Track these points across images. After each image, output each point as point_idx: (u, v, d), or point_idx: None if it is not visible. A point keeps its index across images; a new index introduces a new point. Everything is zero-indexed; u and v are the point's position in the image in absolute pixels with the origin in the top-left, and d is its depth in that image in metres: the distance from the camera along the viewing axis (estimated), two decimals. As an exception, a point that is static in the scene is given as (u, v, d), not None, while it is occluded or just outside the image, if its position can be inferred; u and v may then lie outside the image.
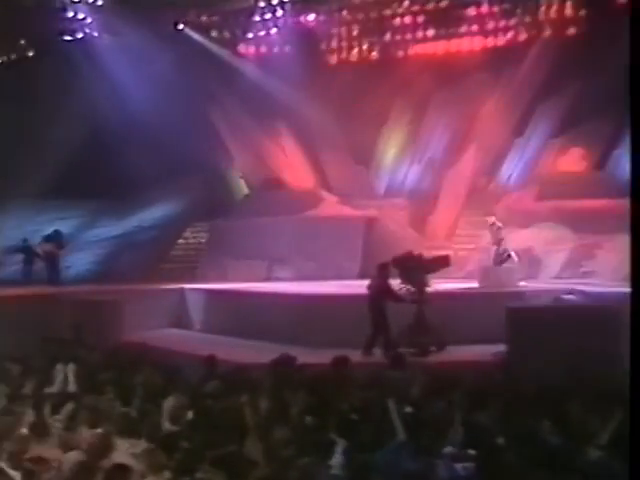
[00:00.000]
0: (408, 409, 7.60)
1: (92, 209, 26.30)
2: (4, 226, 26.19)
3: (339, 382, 9.33)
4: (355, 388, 8.99)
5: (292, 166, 24.04)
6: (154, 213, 25.10)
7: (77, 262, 24.68)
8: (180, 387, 9.56)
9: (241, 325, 16.37)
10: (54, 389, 9.14)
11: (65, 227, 25.96)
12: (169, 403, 8.27)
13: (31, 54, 23.16)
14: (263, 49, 24.44)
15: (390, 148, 23.17)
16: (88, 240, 25.54)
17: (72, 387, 9.18)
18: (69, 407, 7.93)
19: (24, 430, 7.25)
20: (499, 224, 18.35)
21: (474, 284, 16.76)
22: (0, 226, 26.23)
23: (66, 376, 9.31)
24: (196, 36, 23.92)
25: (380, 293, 13.67)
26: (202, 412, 7.76)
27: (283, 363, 10.71)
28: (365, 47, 23.86)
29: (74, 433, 7.15)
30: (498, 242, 17.97)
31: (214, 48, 24.27)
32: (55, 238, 22.33)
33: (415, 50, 23.51)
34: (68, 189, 24.25)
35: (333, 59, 24.19)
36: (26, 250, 22.58)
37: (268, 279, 20.96)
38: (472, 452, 6.26)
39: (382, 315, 13.56)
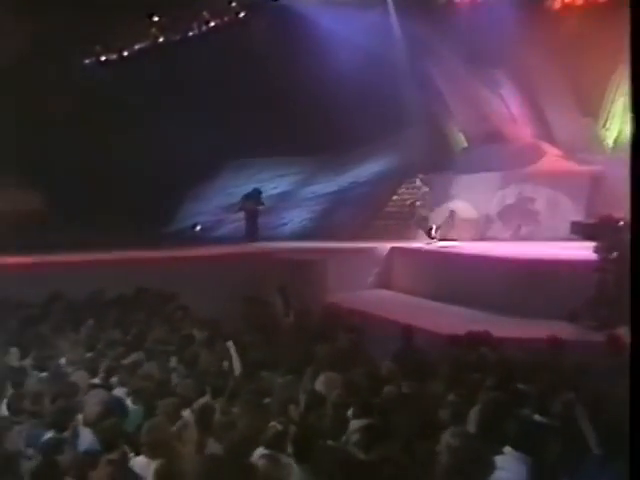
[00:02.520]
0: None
1: (310, 166, 26.28)
2: (226, 184, 26.74)
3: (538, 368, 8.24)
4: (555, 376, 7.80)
5: (513, 118, 22.64)
6: (370, 169, 24.64)
7: (293, 219, 24.81)
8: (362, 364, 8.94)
9: (449, 289, 15.57)
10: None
11: (284, 184, 26.27)
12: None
13: (242, 15, 23.20)
14: (481, -5, 22.95)
15: (620, 97, 21.19)
16: (305, 197, 25.57)
17: (237, 365, 8.69)
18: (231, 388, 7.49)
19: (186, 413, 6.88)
20: (425, 188, 19.44)
21: None
22: (222, 184, 26.81)
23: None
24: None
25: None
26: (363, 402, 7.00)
27: (478, 339, 9.81)
28: (592, -12, 21.80)
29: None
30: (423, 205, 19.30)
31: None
32: (255, 196, 22.47)
33: (651, -13, 21.15)
34: (287, 146, 24.28)
35: (557, 3, 22.31)
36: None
37: (483, 238, 19.93)
38: None
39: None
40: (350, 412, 6.90)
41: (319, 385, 8.05)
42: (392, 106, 21.89)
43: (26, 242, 19.02)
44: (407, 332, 11.00)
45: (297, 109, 23.36)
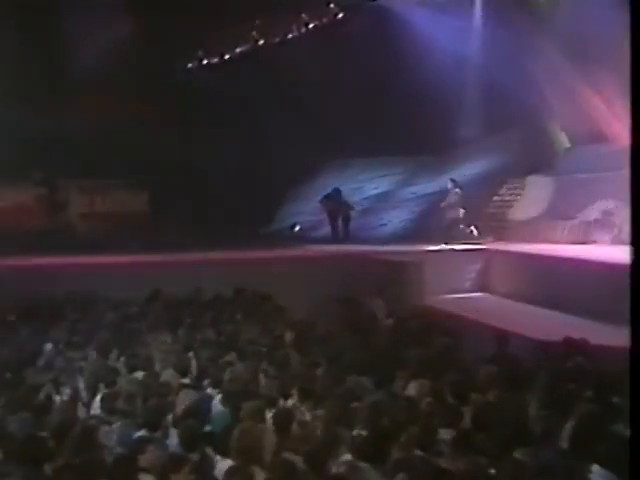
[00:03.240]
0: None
1: (411, 166, 26.12)
2: (327, 184, 26.79)
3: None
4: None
5: (617, 117, 21.94)
6: (471, 169, 24.29)
7: (393, 219, 24.71)
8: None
9: (547, 293, 15.22)
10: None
11: (384, 184, 26.21)
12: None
13: (340, 16, 23.17)
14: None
15: None
16: (405, 197, 25.43)
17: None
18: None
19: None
20: (457, 190, 19.72)
21: None
22: (323, 184, 26.86)
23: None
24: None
25: None
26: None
27: (574, 347, 9.52)
28: None
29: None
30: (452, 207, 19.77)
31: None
32: (334, 196, 22.59)
33: None
34: (389, 146, 24.20)
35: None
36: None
37: (585, 242, 19.41)
38: None
39: None
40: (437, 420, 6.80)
41: (410, 391, 7.98)
42: (494, 106, 21.57)
43: (130, 242, 19.56)
44: (502, 337, 10.80)
45: (398, 109, 23.23)
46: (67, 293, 13.93)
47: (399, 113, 23.09)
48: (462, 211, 20.30)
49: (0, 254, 16.96)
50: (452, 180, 20.69)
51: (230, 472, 5.33)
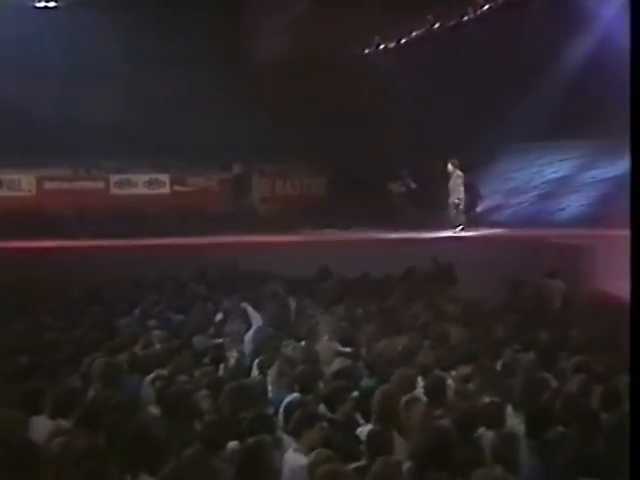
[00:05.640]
0: None
1: (591, 150, 25.39)
2: (506, 169, 26.49)
3: None
4: None
5: None
6: (653, 153, 23.31)
7: (572, 204, 24.14)
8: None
9: None
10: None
11: (564, 168, 25.56)
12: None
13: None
14: None
15: None
16: (584, 181, 24.76)
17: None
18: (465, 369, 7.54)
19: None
20: (459, 172, 19.29)
21: None
22: (502, 169, 26.56)
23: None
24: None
25: None
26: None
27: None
28: None
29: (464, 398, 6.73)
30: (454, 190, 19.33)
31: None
32: (401, 177, 22.67)
33: None
34: (570, 130, 23.63)
35: None
36: None
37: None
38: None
39: None
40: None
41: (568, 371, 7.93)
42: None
43: (308, 223, 20.20)
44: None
45: (578, 92, 22.63)
46: (242, 270, 14.59)
47: (579, 96, 22.50)
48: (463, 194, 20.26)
49: (186, 234, 18.15)
50: (453, 163, 20.27)
51: (371, 435, 5.54)
